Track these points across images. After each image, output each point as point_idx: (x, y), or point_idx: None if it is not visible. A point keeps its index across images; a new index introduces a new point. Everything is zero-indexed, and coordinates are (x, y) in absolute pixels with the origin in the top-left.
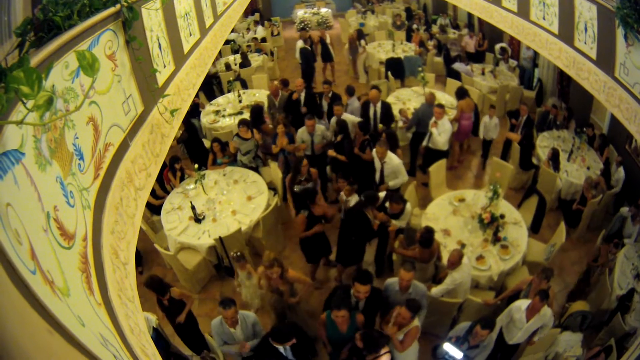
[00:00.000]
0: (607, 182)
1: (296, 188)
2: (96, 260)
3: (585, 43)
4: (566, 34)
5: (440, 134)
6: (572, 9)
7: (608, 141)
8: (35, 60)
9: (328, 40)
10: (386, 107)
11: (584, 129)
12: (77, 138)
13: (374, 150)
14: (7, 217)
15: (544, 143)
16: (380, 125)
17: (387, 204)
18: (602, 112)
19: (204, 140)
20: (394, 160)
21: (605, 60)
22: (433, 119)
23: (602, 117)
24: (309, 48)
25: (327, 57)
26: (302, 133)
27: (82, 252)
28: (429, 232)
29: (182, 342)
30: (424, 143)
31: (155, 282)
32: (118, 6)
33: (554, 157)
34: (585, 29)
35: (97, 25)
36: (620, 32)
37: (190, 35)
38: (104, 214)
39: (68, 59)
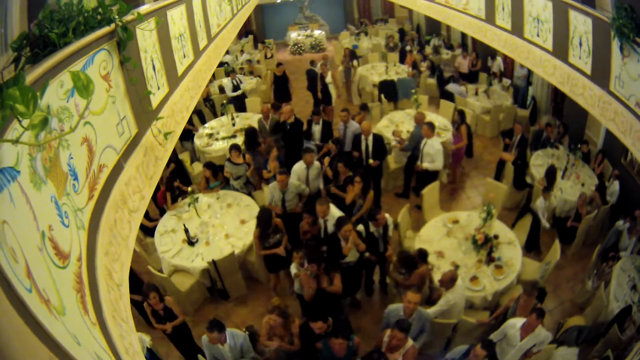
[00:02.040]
0: (602, 196)
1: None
2: (91, 280)
3: (580, 58)
4: (560, 50)
5: (434, 160)
6: (567, 24)
7: (604, 156)
8: (30, 77)
9: (329, 79)
10: (378, 141)
11: (579, 145)
12: (71, 158)
13: (317, 208)
14: (3, 235)
15: (538, 162)
16: (370, 160)
17: (372, 229)
18: (596, 127)
19: (197, 163)
20: (335, 216)
21: (600, 74)
22: (424, 144)
23: (596, 133)
24: (314, 69)
25: (326, 99)
26: (273, 189)
27: (76, 272)
28: (422, 252)
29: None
30: (419, 162)
31: (153, 288)
32: (113, 25)
33: (550, 174)
34: (580, 44)
35: (92, 45)
36: (615, 44)
37: (184, 57)
38: (98, 235)
39: (63, 77)
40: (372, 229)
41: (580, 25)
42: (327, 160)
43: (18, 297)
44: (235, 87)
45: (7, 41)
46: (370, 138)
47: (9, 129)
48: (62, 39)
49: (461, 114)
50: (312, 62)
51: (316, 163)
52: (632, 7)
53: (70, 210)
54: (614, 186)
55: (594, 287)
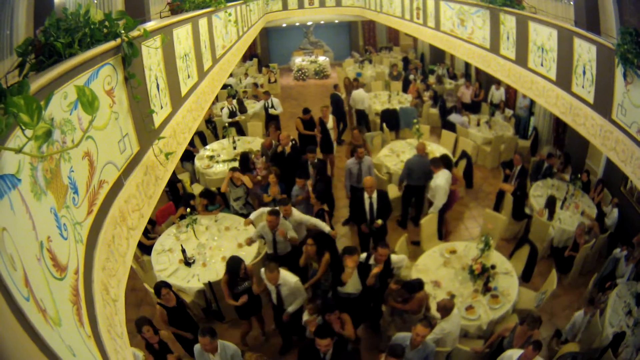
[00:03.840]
0: (600, 226)
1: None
2: (87, 294)
3: (583, 87)
4: (564, 79)
5: (434, 195)
6: (571, 52)
7: (604, 186)
8: (34, 86)
9: (330, 125)
10: (382, 197)
11: (579, 175)
12: (72, 171)
13: (265, 275)
14: (2, 242)
15: (537, 192)
16: (379, 221)
17: (371, 261)
18: (597, 157)
19: (196, 184)
20: (289, 281)
21: (603, 102)
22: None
23: (597, 162)
24: (339, 94)
25: (326, 147)
26: (263, 228)
27: (73, 284)
28: (412, 282)
29: None
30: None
31: (147, 323)
32: (119, 40)
33: (550, 204)
34: (584, 72)
35: (97, 58)
36: (619, 71)
37: (189, 77)
38: (96, 250)
39: (67, 89)
40: (371, 260)
41: (585, 53)
42: (309, 182)
43: (16, 305)
44: (232, 113)
45: (12, 44)
46: (374, 196)
47: (12, 136)
48: (67, 49)
49: (446, 162)
50: (336, 87)
51: (296, 213)
52: (638, 31)
53: (69, 223)
54: (613, 214)
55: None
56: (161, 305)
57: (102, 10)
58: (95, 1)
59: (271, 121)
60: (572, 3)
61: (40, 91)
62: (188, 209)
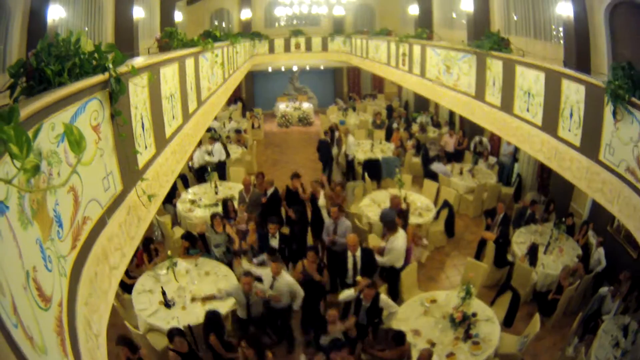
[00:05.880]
0: (585, 267)
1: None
2: (70, 326)
3: (569, 130)
4: (550, 123)
5: (385, 255)
6: (559, 94)
7: (589, 227)
8: (24, 113)
9: (321, 202)
10: (367, 255)
11: (563, 219)
12: (57, 205)
13: None
14: None
15: (520, 239)
16: (359, 278)
17: (361, 296)
18: (582, 199)
19: (177, 227)
20: None
21: (590, 144)
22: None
23: (582, 204)
24: (328, 140)
25: (318, 228)
26: (237, 289)
27: (57, 316)
28: (401, 333)
29: None
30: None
31: (127, 340)
32: (107, 74)
33: (532, 252)
34: (571, 115)
35: (85, 91)
36: (608, 110)
37: (174, 118)
38: (79, 285)
39: (55, 120)
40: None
41: (573, 94)
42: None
43: (7, 330)
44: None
45: (5, 61)
46: (358, 253)
47: (0, 162)
48: (57, 77)
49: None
50: (326, 133)
51: (286, 277)
52: (631, 63)
53: (53, 255)
54: (599, 253)
55: (576, 351)
56: (174, 350)
57: (92, 40)
58: (87, 29)
59: (259, 173)
60: (562, 42)
61: (29, 119)
62: (168, 252)
